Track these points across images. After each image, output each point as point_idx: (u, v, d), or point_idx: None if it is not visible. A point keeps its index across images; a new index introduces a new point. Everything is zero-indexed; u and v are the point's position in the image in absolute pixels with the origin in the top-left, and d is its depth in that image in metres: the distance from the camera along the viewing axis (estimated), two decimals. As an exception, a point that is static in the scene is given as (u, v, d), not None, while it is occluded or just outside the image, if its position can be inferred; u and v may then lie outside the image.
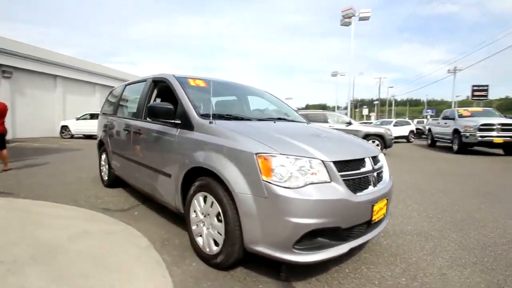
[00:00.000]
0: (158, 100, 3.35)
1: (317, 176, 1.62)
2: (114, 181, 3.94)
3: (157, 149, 2.52)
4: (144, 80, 3.17)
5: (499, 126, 9.29)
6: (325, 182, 1.62)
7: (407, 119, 21.75)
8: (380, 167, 2.09)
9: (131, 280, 1.74)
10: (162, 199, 2.52)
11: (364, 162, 1.90)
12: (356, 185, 1.76)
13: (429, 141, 13.30)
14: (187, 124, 2.20)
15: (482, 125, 9.43)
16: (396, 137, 15.67)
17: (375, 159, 2.04)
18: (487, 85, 34.00)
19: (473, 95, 33.79)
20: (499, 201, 3.82)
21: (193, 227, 2.08)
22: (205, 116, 2.20)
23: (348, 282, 1.81)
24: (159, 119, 2.28)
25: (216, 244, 1.87)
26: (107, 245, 2.23)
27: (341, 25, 14.78)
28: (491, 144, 9.31)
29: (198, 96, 2.54)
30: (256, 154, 1.64)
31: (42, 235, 2.32)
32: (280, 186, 1.55)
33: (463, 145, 9.82)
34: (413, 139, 17.23)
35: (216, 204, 1.82)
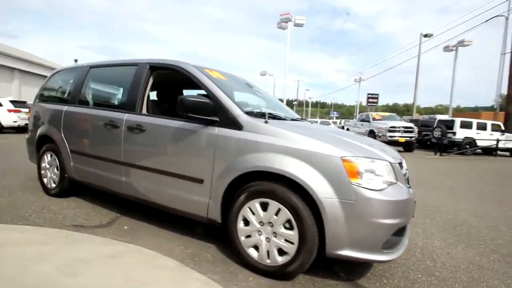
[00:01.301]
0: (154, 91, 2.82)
1: (388, 178, 1.72)
2: (68, 189, 3.12)
3: (179, 150, 2.13)
4: (134, 64, 2.60)
5: (402, 128, 11.74)
6: (393, 183, 1.74)
7: (327, 120, 24.83)
8: None
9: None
10: (183, 209, 2.16)
11: (402, 163, 2.12)
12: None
13: (349, 139, 15.57)
14: (229, 122, 1.95)
15: (391, 127, 11.71)
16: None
17: None
18: (378, 94, 42.07)
19: (367, 102, 41.42)
20: (432, 188, 4.88)
21: (242, 238, 1.88)
22: (249, 114, 2.00)
23: (396, 272, 2.00)
24: (195, 114, 1.93)
25: (281, 253, 1.75)
26: (124, 272, 1.78)
27: (278, 27, 15.74)
28: (396, 143, 11.67)
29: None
30: (342, 157, 1.61)
31: (18, 273, 1.65)
32: (369, 189, 1.58)
33: (378, 143, 11.97)
34: (333, 137, 19.85)
35: (285, 210, 1.70)
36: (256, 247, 1.84)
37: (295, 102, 50.66)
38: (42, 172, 3.29)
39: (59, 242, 2.13)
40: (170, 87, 3.04)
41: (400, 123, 12.24)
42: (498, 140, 11.53)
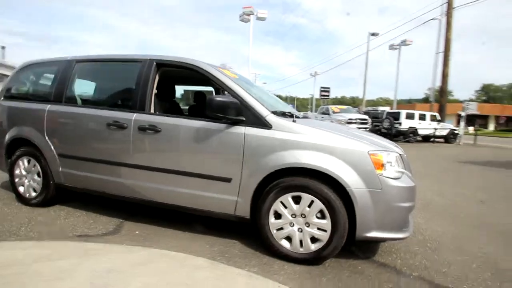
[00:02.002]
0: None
1: (399, 168, 2.00)
2: (53, 197, 2.84)
3: (203, 150, 2.13)
4: (135, 60, 2.47)
5: (358, 120, 12.89)
6: (403, 172, 2.03)
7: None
8: None
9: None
10: (208, 208, 2.19)
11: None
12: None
13: (310, 131, 16.52)
14: (256, 122, 2.03)
15: (349, 119, 12.77)
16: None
17: None
18: (329, 88, 44.96)
19: (320, 94, 44.05)
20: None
21: (274, 231, 2.00)
22: (273, 113, 2.10)
23: (399, 247, 2.34)
24: (224, 114, 1.96)
25: (314, 241, 1.92)
26: (161, 277, 1.76)
27: (240, 20, 15.70)
28: (355, 133, 12.81)
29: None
30: (368, 152, 1.84)
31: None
32: (391, 178, 1.84)
33: (338, 134, 12.99)
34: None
35: (318, 202, 1.87)
36: (288, 238, 1.99)
37: (253, 95, 50.98)
38: (17, 180, 2.91)
39: (74, 255, 1.99)
40: (169, 84, 2.95)
41: (356, 115, 13.42)
42: (435, 129, 13.45)
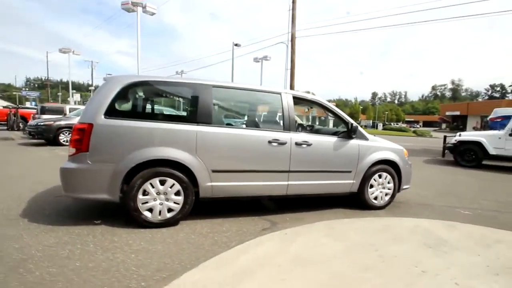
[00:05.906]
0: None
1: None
2: (189, 212, 3.13)
3: (337, 155, 3.55)
4: (275, 92, 3.42)
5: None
6: (400, 157, 4.46)
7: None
8: None
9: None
10: (334, 191, 3.66)
11: None
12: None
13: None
14: (361, 137, 3.75)
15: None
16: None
17: None
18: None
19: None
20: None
21: (370, 195, 3.84)
22: (361, 131, 3.91)
23: (399, 196, 4.81)
24: (353, 135, 3.54)
25: (386, 195, 3.95)
26: (373, 228, 3.18)
27: (123, 8, 13.72)
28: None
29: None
30: (402, 149, 4.08)
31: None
32: (408, 160, 4.19)
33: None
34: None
35: (389, 176, 3.91)
36: (375, 198, 3.89)
37: (91, 88, 43.22)
38: (141, 204, 2.87)
39: (320, 231, 2.88)
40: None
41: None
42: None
